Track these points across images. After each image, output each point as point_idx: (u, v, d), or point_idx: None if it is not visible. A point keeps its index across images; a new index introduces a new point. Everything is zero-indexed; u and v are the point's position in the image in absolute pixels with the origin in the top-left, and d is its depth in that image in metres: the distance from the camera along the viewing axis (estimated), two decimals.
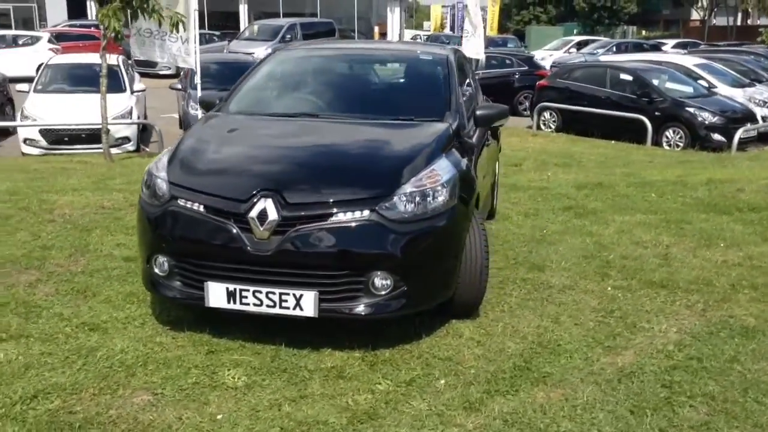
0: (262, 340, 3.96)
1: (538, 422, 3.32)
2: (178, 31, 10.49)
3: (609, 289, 4.98)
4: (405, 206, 3.80)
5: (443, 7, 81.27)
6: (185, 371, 3.65)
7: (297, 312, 3.71)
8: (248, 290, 3.72)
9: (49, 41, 23.84)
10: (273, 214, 3.68)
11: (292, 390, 3.52)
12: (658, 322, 4.42)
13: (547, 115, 16.02)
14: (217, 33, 29.46)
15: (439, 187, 3.96)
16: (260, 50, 21.91)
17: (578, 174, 9.80)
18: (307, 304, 3.69)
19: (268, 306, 3.72)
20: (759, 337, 4.24)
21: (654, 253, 5.88)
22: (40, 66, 14.18)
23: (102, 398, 3.39)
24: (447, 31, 64.92)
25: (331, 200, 3.75)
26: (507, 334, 4.20)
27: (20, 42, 24.21)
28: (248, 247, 3.69)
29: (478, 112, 4.91)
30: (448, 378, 3.69)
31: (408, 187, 3.85)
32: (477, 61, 15.70)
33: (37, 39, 24.05)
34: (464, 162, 4.39)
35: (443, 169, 4.08)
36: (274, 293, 3.69)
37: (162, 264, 3.94)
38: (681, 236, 6.41)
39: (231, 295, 3.74)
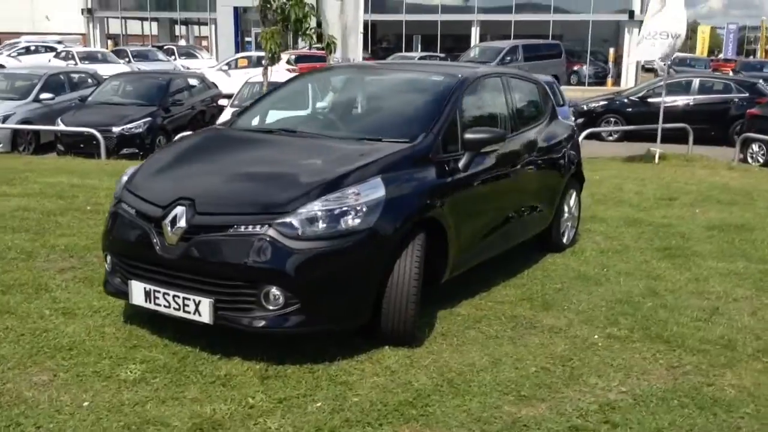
0: (188, 341, 4.14)
1: None
2: (332, 53, 11.10)
3: (596, 337, 4.47)
4: (307, 224, 3.78)
5: (717, 28, 75.13)
6: (97, 360, 3.95)
7: (196, 317, 3.86)
8: (160, 291, 3.94)
9: (287, 62, 26.12)
10: (182, 221, 3.87)
11: (170, 391, 3.66)
12: (610, 379, 3.89)
13: (755, 147, 14.35)
14: (442, 55, 30.29)
15: (358, 208, 3.88)
16: None
17: (732, 214, 8.69)
18: (204, 310, 3.81)
19: (174, 309, 3.91)
20: (719, 412, 3.57)
21: (705, 305, 5.14)
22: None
23: (11, 373, 3.80)
24: (722, 54, 59.48)
25: (234, 212, 3.85)
26: (429, 369, 3.96)
27: (263, 63, 26.79)
28: (159, 251, 3.92)
29: (465, 135, 4.66)
30: (326, 402, 3.59)
31: (316, 205, 3.82)
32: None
33: (277, 59, 26.47)
34: (416, 186, 4.23)
35: (371, 189, 3.97)
36: (178, 297, 3.88)
37: (109, 261, 4.32)
38: (764, 291, 5.52)
39: (147, 295, 3.99)
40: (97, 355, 4.02)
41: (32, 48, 34.08)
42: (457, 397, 3.66)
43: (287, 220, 3.78)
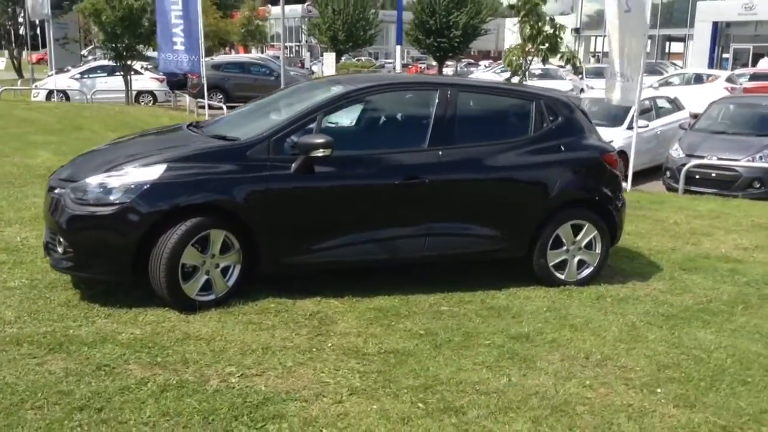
0: None
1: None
2: (576, 68, 10.59)
3: (330, 344, 4.40)
4: (83, 192, 4.83)
5: None
6: (14, 266, 5.61)
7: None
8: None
9: (728, 80, 23.87)
10: (50, 181, 5.28)
11: (23, 303, 4.88)
12: (237, 368, 4.11)
13: None
14: None
15: (125, 186, 4.74)
16: None
17: None
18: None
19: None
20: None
21: (543, 362, 4.41)
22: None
23: None
24: None
25: (62, 179, 5.11)
26: (157, 327, 4.60)
27: (705, 79, 24.84)
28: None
29: (298, 139, 4.99)
30: (83, 334, 4.45)
31: (97, 179, 4.86)
32: None
33: (716, 77, 24.44)
34: (204, 178, 4.84)
35: (146, 172, 4.80)
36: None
37: None
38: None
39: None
40: (20, 262, 5.70)
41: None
42: (119, 347, 4.29)
43: (75, 187, 4.90)
